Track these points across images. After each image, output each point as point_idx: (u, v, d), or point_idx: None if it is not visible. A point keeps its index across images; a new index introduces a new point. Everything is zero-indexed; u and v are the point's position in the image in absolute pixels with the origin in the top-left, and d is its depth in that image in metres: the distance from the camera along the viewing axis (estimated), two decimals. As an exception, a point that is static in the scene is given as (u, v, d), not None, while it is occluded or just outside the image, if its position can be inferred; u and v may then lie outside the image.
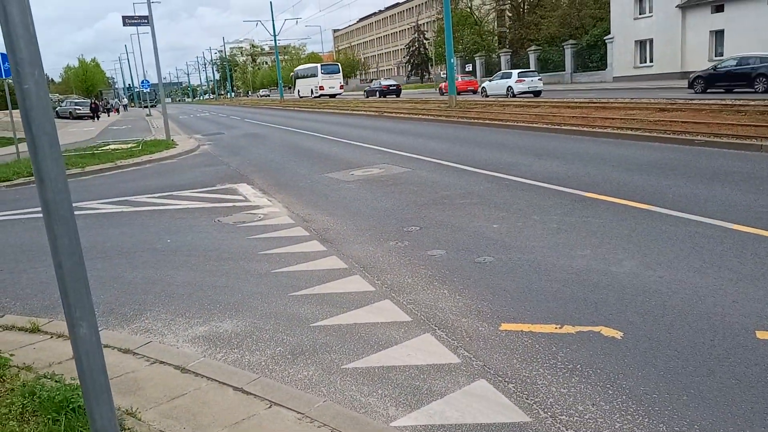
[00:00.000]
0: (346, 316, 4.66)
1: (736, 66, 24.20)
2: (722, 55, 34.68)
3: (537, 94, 33.03)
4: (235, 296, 5.28)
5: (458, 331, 4.24)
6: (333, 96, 53.77)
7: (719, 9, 34.64)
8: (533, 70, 40.06)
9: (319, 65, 61.26)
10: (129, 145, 20.27)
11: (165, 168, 15.21)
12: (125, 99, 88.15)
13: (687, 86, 26.26)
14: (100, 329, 4.53)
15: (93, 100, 59.57)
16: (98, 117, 51.74)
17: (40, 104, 1.88)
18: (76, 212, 7.96)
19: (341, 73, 60.29)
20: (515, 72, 34.90)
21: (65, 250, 2.04)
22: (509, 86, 33.82)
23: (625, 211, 7.00)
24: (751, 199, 7.05)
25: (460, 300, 4.82)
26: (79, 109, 53.27)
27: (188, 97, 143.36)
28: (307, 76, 62.30)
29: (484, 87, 37.51)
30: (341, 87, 58.80)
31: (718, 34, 34.90)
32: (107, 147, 20.30)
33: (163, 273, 6.15)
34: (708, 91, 24.53)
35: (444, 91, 37.76)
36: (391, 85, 49.58)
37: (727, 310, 4.21)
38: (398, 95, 47.18)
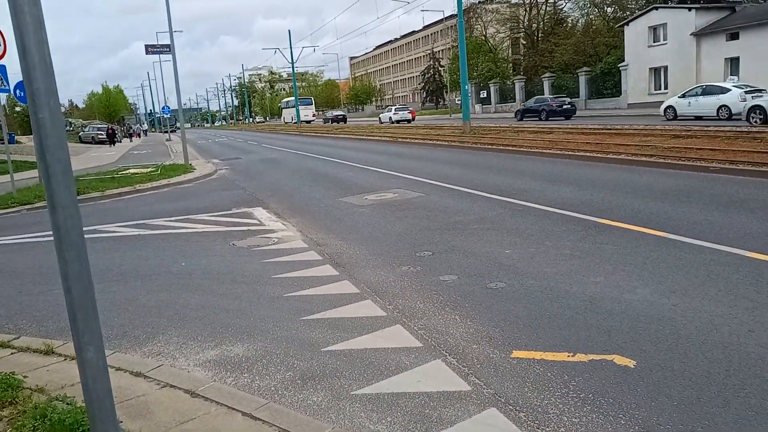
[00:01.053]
0: (357, 341, 4.66)
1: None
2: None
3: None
4: (247, 320, 5.30)
5: (469, 358, 4.22)
6: (308, 122, 68.44)
7: (734, 37, 34.65)
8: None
9: (296, 98, 75.36)
10: (148, 170, 20.61)
11: (183, 192, 15.41)
12: (145, 125, 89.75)
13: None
14: (112, 352, 4.59)
15: (110, 126, 59.39)
16: (114, 143, 51.10)
17: (55, 133, 1.94)
18: (94, 235, 8.07)
19: (313, 105, 79.58)
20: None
21: (75, 275, 2.08)
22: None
23: (639, 238, 6.95)
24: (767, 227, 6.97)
25: (472, 326, 4.79)
26: (101, 135, 54.41)
27: (207, 123, 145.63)
28: (289, 107, 77.98)
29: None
30: (313, 115, 76.27)
31: (734, 61, 34.84)
32: (127, 171, 20.64)
33: (177, 296, 6.20)
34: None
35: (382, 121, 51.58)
36: (338, 115, 63.17)
37: (743, 339, 4.15)
38: (345, 122, 58.17)
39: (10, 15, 1.81)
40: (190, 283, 6.68)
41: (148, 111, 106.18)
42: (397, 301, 5.52)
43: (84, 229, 2.24)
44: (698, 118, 25.42)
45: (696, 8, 37.72)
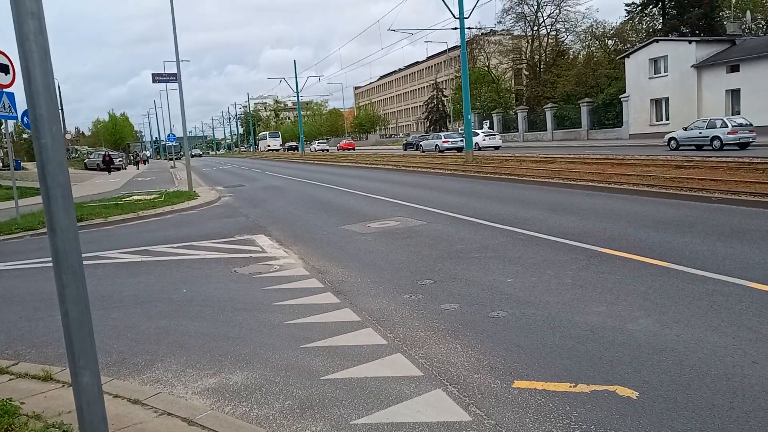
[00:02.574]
0: (357, 369, 4.62)
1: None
2: (739, 113, 34.90)
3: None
4: (247, 347, 5.27)
5: (470, 388, 4.18)
6: (276, 150, 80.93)
7: (734, 69, 35.04)
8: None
9: (268, 132, 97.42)
10: (152, 196, 20.72)
11: (186, 219, 15.47)
12: (147, 152, 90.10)
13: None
14: (110, 379, 4.56)
15: (106, 153, 53.65)
16: (111, 171, 46.17)
17: (56, 158, 1.98)
18: (96, 262, 8.08)
19: (280, 138, 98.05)
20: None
21: (72, 298, 2.09)
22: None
23: (641, 268, 6.93)
24: (770, 258, 6.94)
25: (473, 355, 4.76)
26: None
27: (212, 150, 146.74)
28: (264, 138, 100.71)
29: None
30: (280, 145, 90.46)
31: (734, 93, 35.16)
32: (131, 198, 20.76)
33: (177, 323, 6.18)
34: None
35: (341, 147, 57.03)
36: (292, 145, 70.81)
37: (747, 371, 4.11)
38: (297, 150, 61.52)
39: (16, 45, 1.87)
40: (191, 309, 6.67)
41: (153, 138, 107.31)
42: (398, 330, 5.49)
43: (85, 255, 2.26)
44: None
45: (696, 41, 38.26)
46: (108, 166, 46.56)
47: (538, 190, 15.68)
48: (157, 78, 23.47)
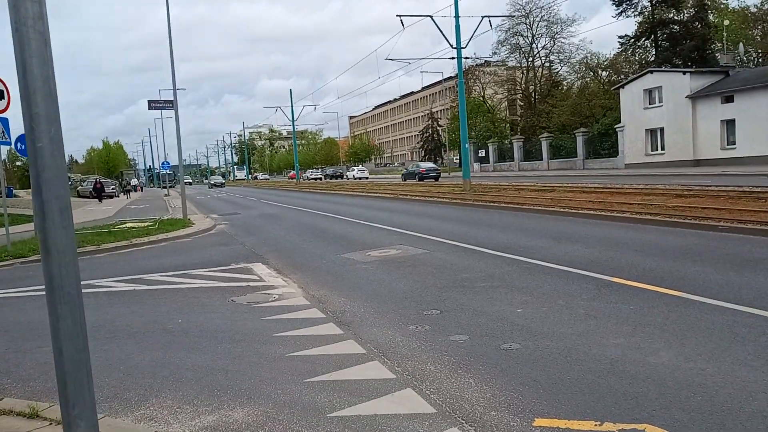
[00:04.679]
0: (366, 406, 4.33)
1: None
2: (734, 144, 35.14)
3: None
4: (247, 382, 4.97)
5: (488, 426, 3.89)
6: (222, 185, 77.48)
7: (729, 99, 35.36)
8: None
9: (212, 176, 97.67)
10: (146, 224, 20.40)
11: (180, 247, 15.16)
12: (134, 180, 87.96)
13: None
14: (102, 416, 4.23)
15: (97, 180, 51.91)
16: (102, 199, 43.99)
17: (54, 164, 1.67)
18: (87, 290, 7.69)
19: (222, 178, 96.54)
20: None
21: (68, 333, 1.80)
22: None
23: (655, 298, 6.69)
24: (788, 287, 6.73)
25: (488, 390, 4.48)
26: (107, 187, 52.13)
27: (206, 179, 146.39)
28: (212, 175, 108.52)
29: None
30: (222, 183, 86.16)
31: (729, 123, 35.42)
32: (124, 225, 20.44)
33: (172, 355, 5.87)
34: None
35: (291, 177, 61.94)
36: (217, 182, 68.26)
37: (783, 408, 3.85)
38: (223, 186, 61.74)
39: (11, 31, 1.60)
40: (187, 341, 6.36)
41: (147, 167, 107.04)
42: (406, 363, 5.21)
43: (78, 280, 2.00)
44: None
45: (690, 72, 38.70)
46: (99, 193, 44.88)
47: (539, 218, 15.50)
48: (153, 105, 23.40)
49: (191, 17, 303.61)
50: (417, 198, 25.90)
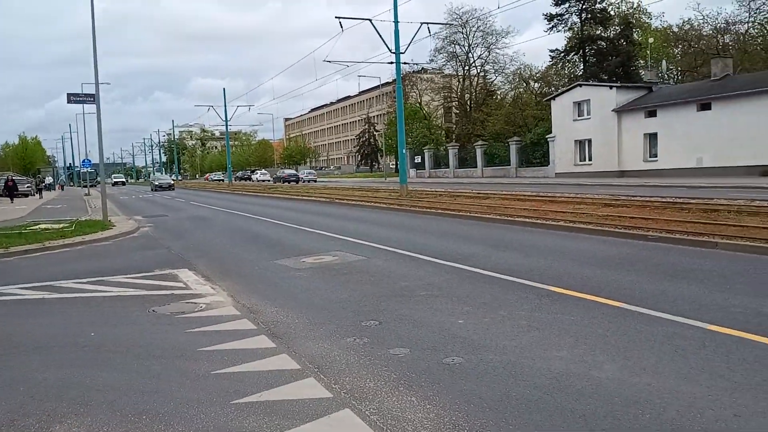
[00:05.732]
0: (301, 430, 3.94)
1: None
2: (656, 156, 36.87)
3: None
4: (167, 404, 4.46)
5: (433, 452, 3.59)
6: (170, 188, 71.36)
7: (652, 114, 37.07)
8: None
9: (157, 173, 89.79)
10: (61, 225, 19.03)
11: (99, 251, 14.15)
12: (51, 177, 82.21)
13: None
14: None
15: (9, 177, 46.82)
16: (14, 198, 40.49)
17: None
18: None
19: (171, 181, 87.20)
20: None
21: None
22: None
23: (595, 308, 6.64)
24: (721, 298, 6.82)
25: (432, 410, 4.19)
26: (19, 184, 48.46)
27: (132, 178, 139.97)
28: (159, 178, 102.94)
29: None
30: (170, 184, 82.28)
31: (652, 137, 37.13)
32: (37, 226, 18.98)
33: (82, 373, 5.26)
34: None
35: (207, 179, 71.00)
36: (164, 183, 61.86)
37: (731, 425, 3.77)
38: (172, 189, 58.58)
39: None
40: (99, 357, 5.74)
41: (68, 164, 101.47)
42: (343, 380, 4.85)
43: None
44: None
45: (617, 87, 40.36)
46: (11, 192, 41.12)
47: (475, 225, 15.49)
48: (72, 98, 21.91)
49: (123, 10, 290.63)
50: (353, 203, 25.58)
